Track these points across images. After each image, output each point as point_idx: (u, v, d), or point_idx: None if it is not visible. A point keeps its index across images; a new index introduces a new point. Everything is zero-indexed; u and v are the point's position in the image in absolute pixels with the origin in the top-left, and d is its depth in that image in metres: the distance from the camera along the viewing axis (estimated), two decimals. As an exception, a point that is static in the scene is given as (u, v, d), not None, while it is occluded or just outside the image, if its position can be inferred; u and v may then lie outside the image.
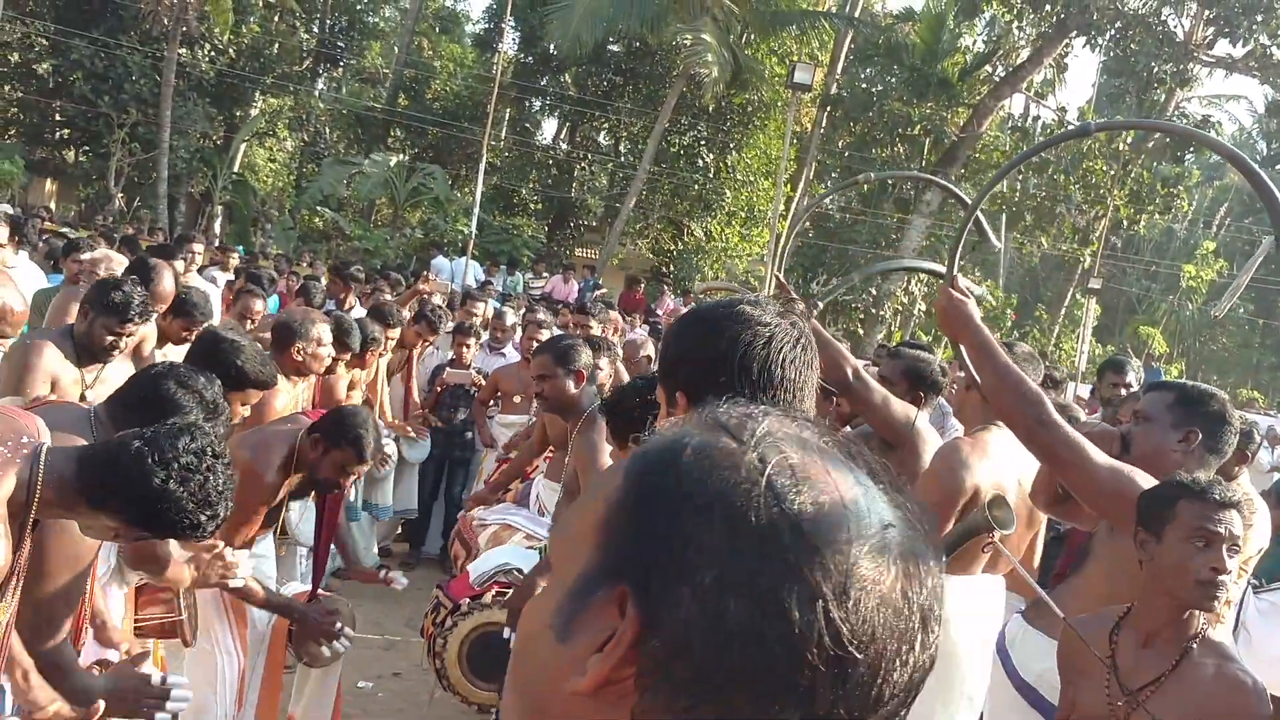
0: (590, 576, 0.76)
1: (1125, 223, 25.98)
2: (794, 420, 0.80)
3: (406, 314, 7.83)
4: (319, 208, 26.00)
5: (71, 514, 2.30)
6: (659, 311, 17.19)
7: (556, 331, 7.75)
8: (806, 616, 0.68)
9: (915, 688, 0.72)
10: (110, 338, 4.15)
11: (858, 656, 0.69)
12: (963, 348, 3.09)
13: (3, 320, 3.82)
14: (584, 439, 4.30)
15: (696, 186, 26.38)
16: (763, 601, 0.68)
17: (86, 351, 4.16)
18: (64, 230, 12.75)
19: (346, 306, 8.82)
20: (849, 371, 3.75)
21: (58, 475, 2.25)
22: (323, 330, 5.36)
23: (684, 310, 1.87)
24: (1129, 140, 23.88)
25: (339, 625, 4.13)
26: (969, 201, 3.51)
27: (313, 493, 4.23)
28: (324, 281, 9.50)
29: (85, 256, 6.70)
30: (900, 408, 3.87)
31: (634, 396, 2.94)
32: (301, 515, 4.87)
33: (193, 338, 5.73)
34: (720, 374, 1.66)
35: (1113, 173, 23.76)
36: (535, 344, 7.33)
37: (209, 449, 2.29)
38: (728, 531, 0.70)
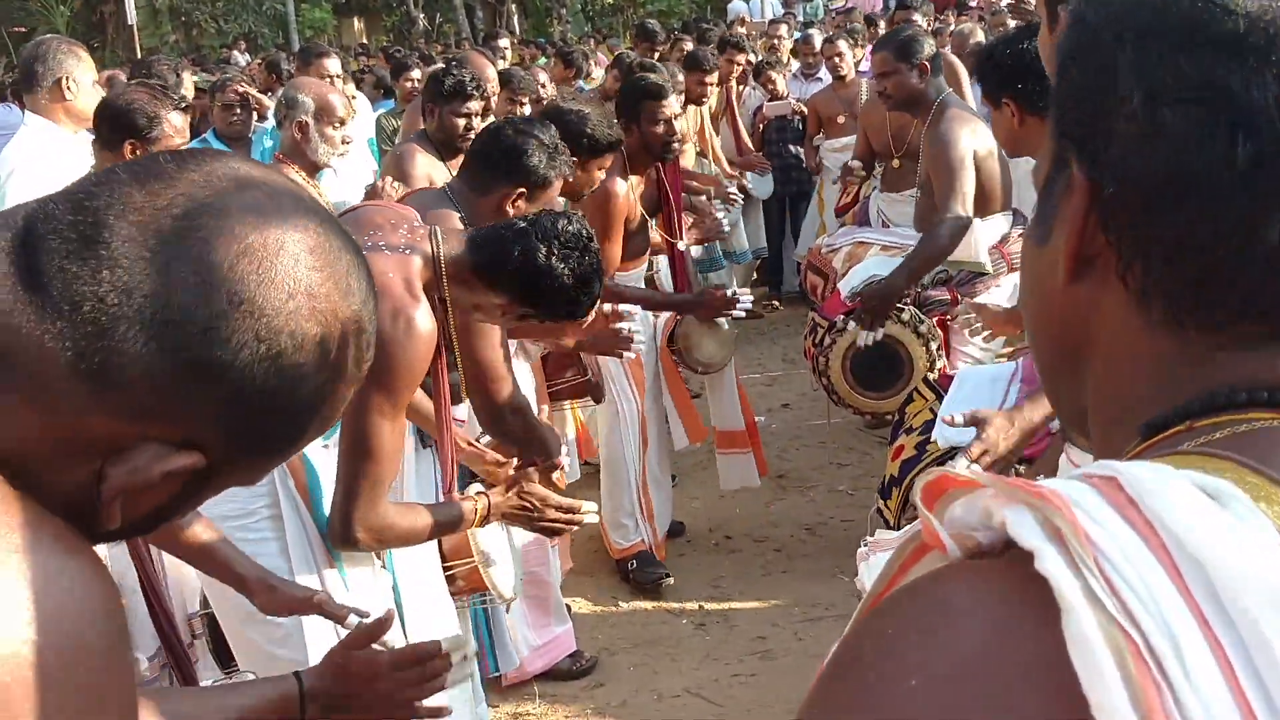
0: (1049, 173, 0.74)
1: None
2: None
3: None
4: (604, -19, 25.85)
5: (467, 290, 2.46)
6: (971, 3, 15.98)
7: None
8: (1241, 78, 0.64)
9: None
10: (460, 119, 4.37)
11: None
12: None
13: (330, 115, 4.02)
14: (934, 133, 4.15)
15: None
16: (1191, 88, 0.65)
17: (445, 146, 4.40)
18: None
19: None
20: None
21: (455, 253, 2.41)
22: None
23: None
24: None
25: (731, 292, 4.39)
26: None
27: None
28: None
29: (414, 75, 7.10)
30: None
31: (1007, 47, 2.78)
32: None
33: (518, 112, 5.98)
34: None
35: None
36: (838, 61, 7.18)
37: (584, 231, 2.41)
38: (1138, 51, 0.67)
